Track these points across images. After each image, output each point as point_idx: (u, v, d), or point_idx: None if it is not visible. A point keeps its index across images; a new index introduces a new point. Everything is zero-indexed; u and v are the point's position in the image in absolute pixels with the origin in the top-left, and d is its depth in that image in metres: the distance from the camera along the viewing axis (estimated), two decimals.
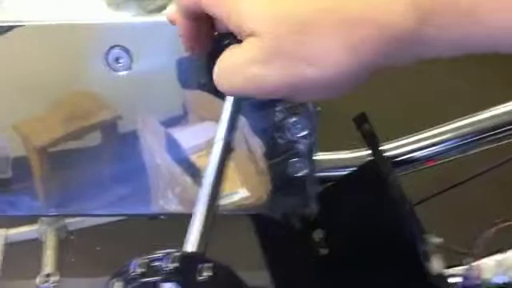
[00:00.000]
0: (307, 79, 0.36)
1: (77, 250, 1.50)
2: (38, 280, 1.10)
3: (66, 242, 1.37)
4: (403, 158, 0.64)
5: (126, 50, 0.52)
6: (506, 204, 1.43)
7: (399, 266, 0.60)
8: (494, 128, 0.63)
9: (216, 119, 0.44)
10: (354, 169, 0.63)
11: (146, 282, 0.36)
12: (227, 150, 0.42)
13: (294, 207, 0.59)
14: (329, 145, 0.62)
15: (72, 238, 1.42)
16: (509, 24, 0.33)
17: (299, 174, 0.56)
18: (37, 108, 0.55)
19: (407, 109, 1.89)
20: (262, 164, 0.56)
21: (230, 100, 0.44)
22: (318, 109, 0.55)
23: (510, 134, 0.63)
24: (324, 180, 0.63)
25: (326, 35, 0.35)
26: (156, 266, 0.36)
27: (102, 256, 1.55)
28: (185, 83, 0.53)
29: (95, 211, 0.60)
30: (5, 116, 0.56)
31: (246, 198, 0.58)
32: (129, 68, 0.53)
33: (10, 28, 0.52)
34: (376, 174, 0.60)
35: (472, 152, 0.64)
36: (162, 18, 0.50)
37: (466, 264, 0.60)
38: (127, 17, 0.54)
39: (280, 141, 0.55)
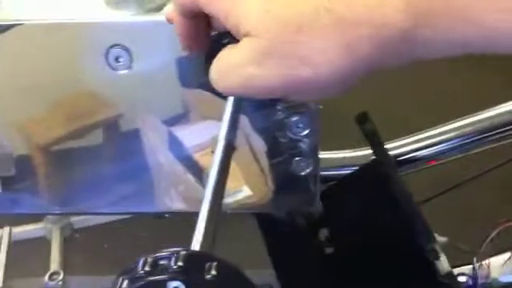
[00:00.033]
0: (302, 79, 0.36)
1: (82, 248, 1.50)
2: (46, 278, 1.10)
3: (71, 241, 1.38)
4: (404, 157, 0.64)
5: (126, 49, 0.52)
6: (509, 204, 1.43)
7: (404, 265, 0.60)
8: (496, 127, 0.63)
9: (218, 118, 0.44)
10: (356, 168, 0.63)
11: (152, 281, 0.36)
12: (230, 148, 0.42)
13: (298, 206, 0.59)
14: (329, 144, 0.62)
15: (77, 236, 1.42)
16: (502, 24, 0.33)
17: (303, 173, 0.57)
18: (38, 107, 0.55)
19: (407, 108, 1.88)
20: (265, 163, 0.57)
21: (230, 99, 0.44)
22: (320, 107, 0.55)
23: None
24: (326, 179, 0.63)
25: (322, 35, 0.35)
26: (163, 264, 0.36)
27: (107, 254, 1.55)
28: (184, 82, 0.53)
29: (99, 209, 0.61)
30: (6, 115, 0.56)
31: (249, 197, 0.58)
32: (129, 67, 0.53)
33: (10, 27, 0.52)
34: (380, 173, 0.60)
35: (474, 151, 0.64)
36: (162, 16, 0.50)
37: (474, 263, 0.60)
38: (127, 16, 0.54)
39: (282, 140, 0.55)
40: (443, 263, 0.57)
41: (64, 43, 0.53)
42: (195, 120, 0.56)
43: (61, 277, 1.10)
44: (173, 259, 0.36)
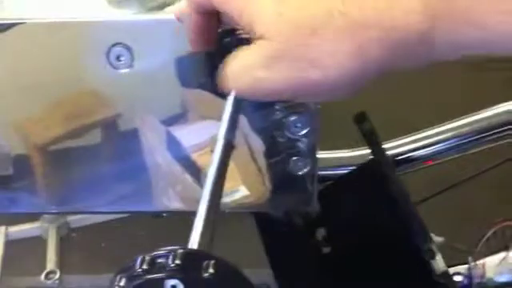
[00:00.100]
0: (311, 81, 0.36)
1: (79, 247, 1.50)
2: (42, 277, 1.10)
3: (67, 240, 1.38)
4: (402, 157, 0.64)
5: (128, 48, 0.52)
6: (506, 204, 1.44)
7: (401, 265, 0.60)
8: (493, 127, 0.63)
9: (217, 118, 0.44)
10: (354, 168, 0.63)
11: (150, 279, 0.36)
12: (229, 148, 0.42)
13: (295, 205, 0.59)
14: (327, 144, 0.62)
15: (74, 235, 1.42)
16: (504, 26, 0.33)
17: (300, 173, 0.57)
18: (37, 106, 0.55)
19: (407, 108, 1.89)
20: (263, 162, 0.57)
21: (230, 98, 0.44)
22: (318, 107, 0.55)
23: (509, 134, 0.63)
24: (324, 179, 0.63)
25: (333, 38, 0.35)
26: (161, 262, 0.36)
27: (104, 253, 1.55)
28: (184, 82, 0.53)
29: (97, 208, 0.61)
30: (5, 114, 0.56)
31: (247, 196, 0.58)
32: (130, 66, 0.53)
33: (11, 26, 0.52)
34: (378, 173, 0.60)
35: (471, 152, 0.64)
36: (163, 15, 0.50)
37: (470, 263, 0.60)
38: (129, 14, 0.54)
39: (280, 139, 0.55)
40: (439, 263, 0.57)
41: (66, 42, 0.52)
42: (194, 120, 0.56)
43: (57, 276, 1.10)
44: (170, 257, 0.36)
